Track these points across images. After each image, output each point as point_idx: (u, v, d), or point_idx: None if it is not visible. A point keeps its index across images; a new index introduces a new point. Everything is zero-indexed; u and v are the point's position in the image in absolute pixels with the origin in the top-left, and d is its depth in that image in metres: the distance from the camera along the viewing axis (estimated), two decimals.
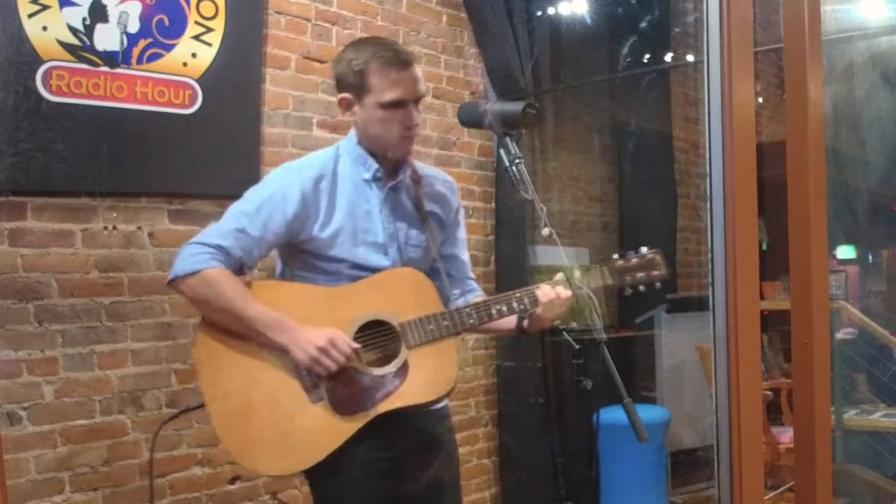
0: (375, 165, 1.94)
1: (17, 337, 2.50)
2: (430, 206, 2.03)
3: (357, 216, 1.92)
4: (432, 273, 1.97)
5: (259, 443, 1.78)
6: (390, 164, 1.95)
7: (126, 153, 2.69)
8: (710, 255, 1.65)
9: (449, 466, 2.03)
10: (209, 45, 2.88)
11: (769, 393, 3.86)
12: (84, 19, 2.61)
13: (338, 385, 1.82)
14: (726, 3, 1.61)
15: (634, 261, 1.95)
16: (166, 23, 2.78)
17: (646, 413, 3.53)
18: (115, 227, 2.71)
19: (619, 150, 5.24)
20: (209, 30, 2.89)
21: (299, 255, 1.92)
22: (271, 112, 3.11)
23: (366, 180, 1.94)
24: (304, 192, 1.87)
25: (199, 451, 2.88)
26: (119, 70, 2.67)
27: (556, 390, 3.96)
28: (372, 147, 1.94)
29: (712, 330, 1.66)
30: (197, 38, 2.86)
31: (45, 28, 2.52)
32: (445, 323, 1.86)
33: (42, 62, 2.52)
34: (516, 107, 1.81)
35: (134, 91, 2.71)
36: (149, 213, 2.79)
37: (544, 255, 3.93)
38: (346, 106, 1.92)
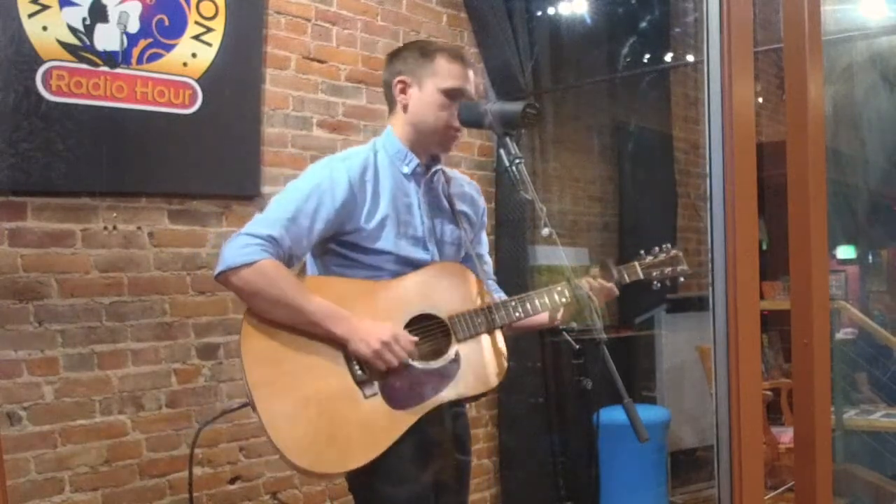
0: (416, 160, 1.97)
1: (17, 337, 2.50)
2: (460, 206, 2.08)
3: (399, 208, 1.94)
4: None
5: (314, 441, 1.73)
6: (425, 160, 1.99)
7: (126, 153, 2.69)
8: (710, 255, 1.65)
9: (466, 452, 2.13)
10: (209, 45, 2.88)
11: (769, 393, 3.87)
12: (84, 19, 2.61)
13: (391, 379, 1.81)
14: (726, 3, 1.61)
15: (662, 256, 2.15)
16: (166, 23, 2.78)
17: (646, 413, 3.54)
18: (115, 227, 2.71)
19: (619, 150, 5.23)
20: (209, 30, 2.89)
21: (339, 249, 1.91)
22: (271, 112, 3.11)
23: (405, 174, 1.97)
24: (352, 180, 1.88)
25: (199, 451, 2.87)
26: (119, 70, 2.67)
27: (556, 390, 3.96)
28: (417, 135, 1.97)
29: (712, 330, 1.66)
30: (197, 38, 2.86)
31: (45, 28, 2.52)
32: (493, 316, 1.92)
33: (42, 62, 2.52)
34: (516, 107, 1.80)
35: (134, 91, 2.71)
36: (149, 213, 2.79)
37: (544, 255, 3.93)
38: (401, 89, 1.96)
